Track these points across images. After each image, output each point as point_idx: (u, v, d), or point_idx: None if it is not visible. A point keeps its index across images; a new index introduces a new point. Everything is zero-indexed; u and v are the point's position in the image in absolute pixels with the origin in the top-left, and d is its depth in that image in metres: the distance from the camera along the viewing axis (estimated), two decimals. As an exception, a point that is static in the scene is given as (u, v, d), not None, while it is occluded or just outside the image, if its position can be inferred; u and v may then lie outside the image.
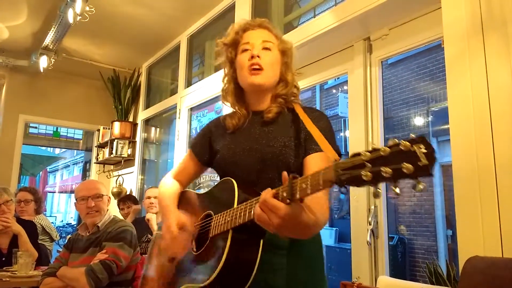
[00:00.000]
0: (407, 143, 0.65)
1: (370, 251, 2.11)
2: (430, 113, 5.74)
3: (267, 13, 3.11)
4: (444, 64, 1.75)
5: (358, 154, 0.73)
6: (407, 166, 0.65)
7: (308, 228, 0.94)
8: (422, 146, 0.65)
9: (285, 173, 0.87)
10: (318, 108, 7.94)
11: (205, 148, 1.33)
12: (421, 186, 0.67)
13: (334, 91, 7.65)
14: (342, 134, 7.28)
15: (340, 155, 1.10)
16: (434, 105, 5.61)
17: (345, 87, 6.76)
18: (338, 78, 2.78)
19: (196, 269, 1.10)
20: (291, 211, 0.84)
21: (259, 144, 1.19)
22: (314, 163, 1.12)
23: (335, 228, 6.58)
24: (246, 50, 1.23)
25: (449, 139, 1.68)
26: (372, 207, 2.13)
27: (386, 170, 0.67)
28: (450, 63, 1.70)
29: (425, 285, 1.58)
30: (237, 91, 1.29)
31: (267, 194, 0.87)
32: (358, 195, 2.23)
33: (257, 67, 1.20)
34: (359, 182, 0.71)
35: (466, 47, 1.64)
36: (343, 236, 6.33)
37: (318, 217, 0.96)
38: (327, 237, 6.57)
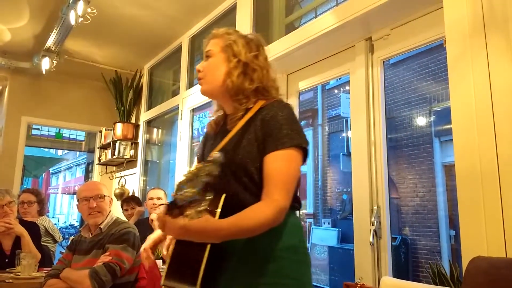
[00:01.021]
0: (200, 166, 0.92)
1: (373, 251, 2.10)
2: (432, 113, 5.73)
3: (268, 14, 3.11)
4: (446, 64, 1.74)
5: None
6: (188, 192, 0.96)
7: (212, 232, 0.99)
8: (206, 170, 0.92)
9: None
10: (319, 108, 7.94)
11: (203, 156, 1.36)
12: (200, 209, 0.96)
13: (336, 91, 7.64)
14: (344, 134, 7.28)
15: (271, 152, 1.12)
16: (436, 105, 5.60)
17: (347, 88, 6.75)
18: (340, 78, 2.78)
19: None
20: (173, 222, 0.96)
21: (225, 152, 1.18)
22: (268, 164, 1.13)
23: (337, 229, 6.57)
24: None
25: (451, 139, 1.67)
26: (375, 207, 2.13)
27: (184, 195, 0.97)
28: (452, 63, 1.70)
29: (429, 285, 1.58)
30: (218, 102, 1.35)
31: (162, 209, 1.03)
32: (360, 197, 2.23)
33: (199, 78, 1.27)
34: (177, 203, 0.92)
35: (468, 47, 1.64)
36: (346, 237, 6.32)
37: (243, 220, 1.02)
38: (330, 237, 6.56)
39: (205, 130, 1.40)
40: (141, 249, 1.31)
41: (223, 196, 1.12)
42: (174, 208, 0.98)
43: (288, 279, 1.12)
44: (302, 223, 1.27)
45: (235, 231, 1.01)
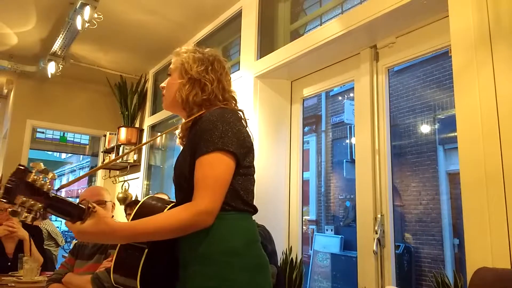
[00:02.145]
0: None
1: (377, 260, 2.09)
2: (436, 120, 5.72)
3: (273, 20, 3.12)
4: (450, 72, 1.74)
5: None
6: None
7: (109, 234, 1.06)
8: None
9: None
10: (323, 114, 7.93)
11: None
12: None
13: (339, 98, 7.64)
14: (347, 141, 7.27)
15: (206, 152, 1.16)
16: (440, 113, 5.58)
17: (351, 94, 6.75)
18: (343, 85, 2.78)
19: None
20: (77, 228, 1.04)
21: (175, 163, 1.30)
22: (195, 170, 1.18)
23: (340, 236, 6.54)
24: None
25: (456, 147, 1.67)
26: (379, 215, 2.12)
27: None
28: (457, 72, 1.70)
29: (432, 296, 1.57)
30: None
31: None
32: (364, 204, 2.22)
33: (162, 95, 1.39)
34: None
35: (474, 56, 1.64)
36: (349, 244, 6.28)
37: (150, 222, 1.08)
38: (332, 245, 6.53)
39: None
40: None
41: (139, 203, 1.24)
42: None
43: (229, 282, 1.12)
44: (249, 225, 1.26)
45: (137, 233, 1.08)
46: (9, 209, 0.94)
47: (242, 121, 1.28)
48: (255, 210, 1.26)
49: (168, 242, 1.13)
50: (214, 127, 1.17)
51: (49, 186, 1.00)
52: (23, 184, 0.95)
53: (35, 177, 0.97)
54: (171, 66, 1.37)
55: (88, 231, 1.04)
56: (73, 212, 1.05)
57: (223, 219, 1.14)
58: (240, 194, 1.20)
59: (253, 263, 1.18)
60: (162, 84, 1.39)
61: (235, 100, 1.36)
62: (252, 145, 1.28)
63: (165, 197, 3.37)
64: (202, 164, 1.15)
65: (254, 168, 1.29)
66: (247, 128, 1.30)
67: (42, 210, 0.99)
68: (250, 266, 1.16)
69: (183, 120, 1.35)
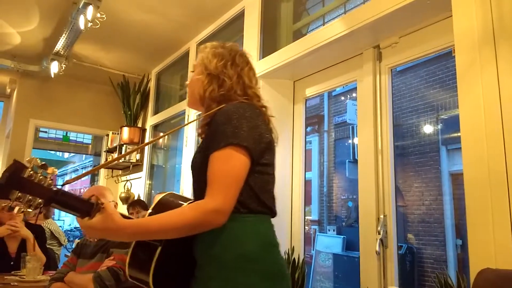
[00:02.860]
0: None
1: (379, 261, 2.08)
2: (439, 121, 5.70)
3: (276, 20, 3.12)
4: (453, 72, 1.73)
5: None
6: None
7: (118, 231, 1.05)
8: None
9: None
10: (326, 114, 7.92)
11: None
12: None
13: (342, 98, 7.63)
14: (350, 141, 7.26)
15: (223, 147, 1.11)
16: (443, 113, 5.57)
17: (353, 94, 6.74)
18: (346, 85, 2.77)
19: None
20: (85, 223, 1.04)
21: (192, 158, 1.27)
22: (207, 167, 1.15)
23: (342, 236, 6.53)
24: None
25: (459, 147, 1.66)
26: (382, 216, 2.11)
27: None
28: (461, 72, 1.69)
29: (435, 296, 1.56)
30: None
31: None
32: (367, 205, 2.21)
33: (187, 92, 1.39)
34: None
35: (478, 56, 1.63)
36: (351, 244, 6.27)
37: (155, 220, 1.07)
38: (335, 245, 6.52)
39: None
40: None
41: (187, 203, 1.18)
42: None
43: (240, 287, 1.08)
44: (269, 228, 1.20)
45: (143, 231, 1.06)
46: (3, 204, 0.93)
47: (263, 117, 1.22)
48: (273, 212, 1.18)
49: (185, 241, 1.10)
50: (229, 121, 1.12)
51: (50, 181, 0.98)
52: (18, 180, 0.93)
53: (32, 172, 0.95)
54: (194, 63, 1.35)
55: (96, 227, 1.03)
56: (81, 207, 1.03)
57: (237, 221, 1.09)
58: (255, 194, 1.13)
59: (268, 270, 1.10)
60: (187, 82, 1.39)
61: (259, 97, 1.30)
62: (272, 142, 1.21)
63: None
64: (214, 160, 1.10)
65: (273, 167, 1.22)
66: (270, 125, 1.24)
67: (42, 205, 0.97)
68: (265, 273, 1.09)
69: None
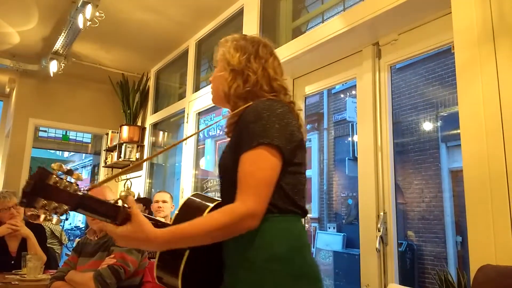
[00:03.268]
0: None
1: (379, 258, 2.09)
2: (439, 118, 5.70)
3: (275, 18, 3.12)
4: (453, 69, 1.73)
5: None
6: None
7: (142, 242, 0.99)
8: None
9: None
10: (325, 112, 7.92)
11: None
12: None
13: (342, 95, 7.63)
14: (350, 138, 7.26)
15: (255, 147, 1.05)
16: (443, 110, 5.57)
17: (353, 92, 6.74)
18: (345, 82, 2.77)
19: None
20: (116, 232, 0.98)
21: (219, 159, 1.22)
22: (238, 168, 1.09)
23: (343, 234, 6.54)
24: None
25: (459, 145, 1.66)
26: (381, 213, 2.11)
27: None
28: (460, 68, 1.69)
29: (436, 293, 1.56)
30: None
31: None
32: (367, 202, 2.21)
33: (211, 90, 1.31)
34: None
35: (477, 53, 1.63)
36: (351, 242, 6.28)
37: (187, 228, 1.00)
38: (335, 242, 6.53)
39: None
40: None
41: (213, 204, 1.14)
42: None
43: None
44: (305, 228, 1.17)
45: (177, 240, 1.00)
46: (29, 213, 0.92)
47: (293, 113, 1.15)
48: (304, 212, 1.14)
49: (214, 244, 1.06)
50: (259, 119, 1.06)
51: (76, 187, 0.94)
52: (44, 187, 0.90)
53: (57, 179, 0.91)
54: (216, 58, 1.28)
55: (125, 236, 0.98)
56: (108, 212, 0.98)
57: (268, 222, 1.04)
58: (288, 194, 1.08)
59: (301, 272, 1.06)
60: (210, 78, 1.31)
61: (285, 89, 1.23)
62: (303, 140, 1.15)
63: (167, 195, 3.38)
64: (245, 161, 1.05)
65: (305, 165, 1.16)
66: (299, 122, 1.17)
67: (69, 211, 0.94)
68: (297, 275, 1.05)
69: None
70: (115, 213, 0.98)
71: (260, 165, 1.04)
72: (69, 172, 0.95)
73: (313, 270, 1.09)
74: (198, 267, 1.10)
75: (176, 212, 1.17)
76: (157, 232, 0.98)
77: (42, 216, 0.93)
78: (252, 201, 1.00)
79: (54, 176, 0.91)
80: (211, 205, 1.13)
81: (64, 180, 0.92)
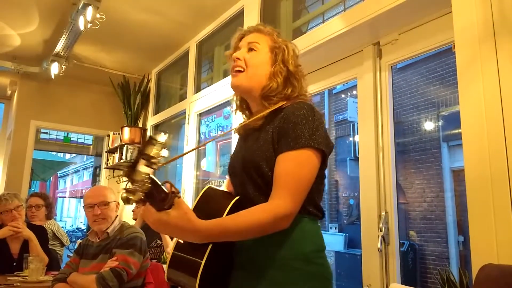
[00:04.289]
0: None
1: (381, 258, 2.09)
2: (440, 117, 5.70)
3: (275, 18, 3.12)
4: (454, 68, 1.73)
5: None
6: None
7: (188, 233, 0.95)
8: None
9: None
10: (326, 112, 7.92)
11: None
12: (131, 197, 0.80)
13: (343, 95, 7.63)
14: (351, 138, 7.26)
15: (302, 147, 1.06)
16: (444, 110, 5.56)
17: (354, 92, 6.74)
18: (346, 83, 2.77)
19: None
20: (159, 216, 0.91)
21: (244, 152, 1.17)
22: (277, 165, 1.07)
23: (344, 234, 6.54)
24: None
25: (460, 144, 1.66)
26: (383, 213, 2.11)
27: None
28: (461, 68, 1.69)
29: (438, 293, 1.56)
30: (241, 99, 1.30)
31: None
32: (368, 202, 2.21)
33: (237, 68, 1.20)
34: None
35: (478, 52, 1.63)
36: (353, 242, 6.28)
37: (231, 222, 0.98)
38: (337, 243, 6.53)
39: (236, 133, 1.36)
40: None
41: (234, 199, 1.11)
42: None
43: None
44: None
45: (219, 233, 0.97)
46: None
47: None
48: (323, 215, 1.16)
49: (230, 243, 1.06)
50: (306, 122, 1.06)
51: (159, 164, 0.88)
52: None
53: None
54: (258, 41, 1.22)
55: (169, 223, 0.91)
56: (157, 196, 0.89)
57: (296, 222, 1.05)
58: (314, 197, 1.10)
59: (320, 272, 1.09)
60: (239, 55, 1.21)
61: (310, 96, 1.25)
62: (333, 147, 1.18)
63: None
64: (288, 160, 1.04)
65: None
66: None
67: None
68: (317, 275, 1.08)
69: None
70: (166, 197, 0.90)
71: (303, 166, 1.04)
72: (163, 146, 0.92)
73: (329, 272, 1.12)
74: (214, 267, 1.06)
75: (196, 201, 1.14)
76: (203, 224, 0.95)
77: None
78: (292, 202, 1.01)
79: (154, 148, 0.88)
80: (232, 201, 1.11)
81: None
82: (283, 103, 1.16)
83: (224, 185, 1.38)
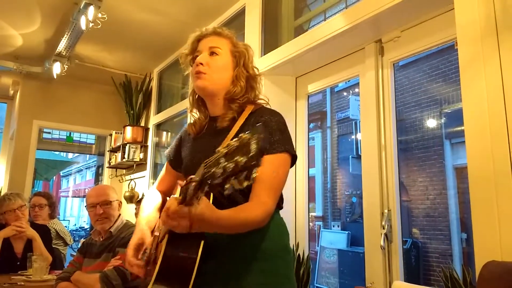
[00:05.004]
0: (247, 135, 0.74)
1: (384, 255, 2.08)
2: (443, 114, 5.68)
3: (277, 17, 3.11)
4: (456, 65, 1.72)
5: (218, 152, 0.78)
6: (240, 160, 0.72)
7: (222, 225, 0.99)
8: (257, 136, 0.73)
9: (180, 180, 0.95)
10: (328, 110, 7.91)
11: (178, 157, 1.37)
12: (254, 175, 0.75)
13: (345, 93, 7.62)
14: (353, 136, 7.25)
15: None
16: (447, 107, 5.55)
17: (356, 90, 6.73)
18: (348, 80, 2.77)
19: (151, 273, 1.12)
20: (188, 211, 0.89)
21: (207, 153, 1.18)
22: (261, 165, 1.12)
23: (347, 232, 6.53)
24: (195, 58, 1.29)
25: (463, 141, 1.65)
26: (386, 211, 2.11)
27: (229, 165, 0.74)
28: (464, 65, 1.68)
29: (441, 290, 1.56)
30: (199, 98, 1.35)
31: (169, 202, 0.95)
32: (371, 200, 2.21)
33: (200, 72, 1.25)
34: (215, 178, 0.76)
35: (480, 49, 1.62)
36: (356, 240, 6.28)
37: (238, 217, 1.04)
38: (339, 240, 6.52)
39: (183, 132, 1.39)
40: (126, 262, 1.19)
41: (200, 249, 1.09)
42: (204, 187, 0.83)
43: (284, 279, 1.18)
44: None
45: (230, 225, 1.03)
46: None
47: None
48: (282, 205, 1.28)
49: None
50: (284, 128, 1.20)
51: None
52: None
53: None
54: (219, 45, 1.28)
55: (195, 216, 0.90)
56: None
57: (273, 215, 1.16)
58: (282, 194, 1.22)
59: (292, 259, 1.25)
60: (202, 60, 1.26)
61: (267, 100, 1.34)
62: None
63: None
64: (271, 162, 1.11)
65: None
66: None
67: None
68: (291, 261, 1.24)
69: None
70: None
71: (284, 169, 1.16)
72: None
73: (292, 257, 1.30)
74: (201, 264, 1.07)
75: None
76: (220, 214, 0.98)
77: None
78: (275, 200, 1.12)
79: None
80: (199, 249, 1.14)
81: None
82: (251, 106, 1.25)
83: (155, 187, 1.40)
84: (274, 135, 1.16)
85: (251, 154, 0.72)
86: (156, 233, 1.22)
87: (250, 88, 1.29)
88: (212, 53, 1.27)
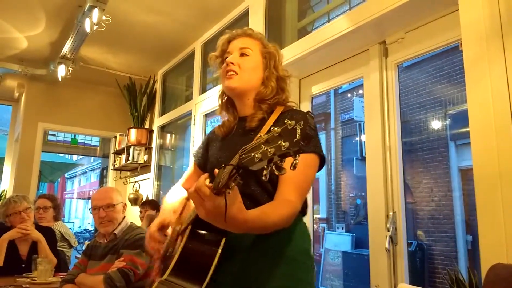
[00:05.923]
0: (292, 122, 0.70)
1: (389, 258, 2.07)
2: (447, 116, 5.66)
3: (281, 18, 3.11)
4: (461, 66, 1.71)
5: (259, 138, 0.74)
6: (283, 144, 0.69)
7: (243, 224, 0.91)
8: (302, 123, 0.70)
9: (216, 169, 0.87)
10: (332, 112, 7.89)
11: (204, 157, 1.38)
12: (296, 161, 0.72)
13: (349, 95, 7.60)
14: (357, 138, 7.23)
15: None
16: (451, 108, 5.52)
17: (360, 91, 6.71)
18: (353, 82, 2.76)
19: (167, 266, 1.14)
20: (216, 201, 0.84)
21: (234, 152, 1.18)
22: None
23: (351, 234, 6.51)
24: (225, 60, 1.29)
25: (468, 143, 1.64)
26: (391, 213, 2.10)
27: (271, 150, 0.70)
28: (469, 66, 1.67)
29: (447, 293, 1.55)
30: (228, 100, 1.35)
31: (201, 179, 0.88)
32: (375, 202, 2.20)
33: (231, 73, 1.25)
34: (253, 163, 0.72)
35: (485, 49, 1.61)
36: (360, 242, 6.25)
37: (265, 217, 0.99)
38: (344, 243, 6.50)
39: (211, 133, 1.39)
40: (147, 235, 1.21)
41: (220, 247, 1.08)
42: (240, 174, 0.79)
43: (301, 284, 1.13)
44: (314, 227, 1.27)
45: (256, 226, 0.97)
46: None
47: None
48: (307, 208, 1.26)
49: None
50: (315, 130, 1.14)
51: None
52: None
53: None
54: (250, 46, 1.28)
55: (227, 214, 0.85)
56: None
57: (297, 219, 1.13)
58: (306, 199, 1.19)
59: (313, 264, 1.21)
60: (233, 60, 1.25)
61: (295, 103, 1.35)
62: None
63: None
64: (300, 162, 1.08)
65: None
66: None
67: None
68: (312, 267, 1.19)
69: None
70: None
71: (311, 169, 1.13)
72: None
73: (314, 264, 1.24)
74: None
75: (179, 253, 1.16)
76: (248, 215, 0.93)
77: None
78: (300, 201, 1.10)
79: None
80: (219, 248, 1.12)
81: None
82: (281, 107, 1.24)
83: (181, 183, 1.45)
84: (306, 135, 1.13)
85: (296, 139, 0.70)
86: (177, 227, 1.22)
87: (280, 89, 1.28)
88: (242, 54, 1.28)
